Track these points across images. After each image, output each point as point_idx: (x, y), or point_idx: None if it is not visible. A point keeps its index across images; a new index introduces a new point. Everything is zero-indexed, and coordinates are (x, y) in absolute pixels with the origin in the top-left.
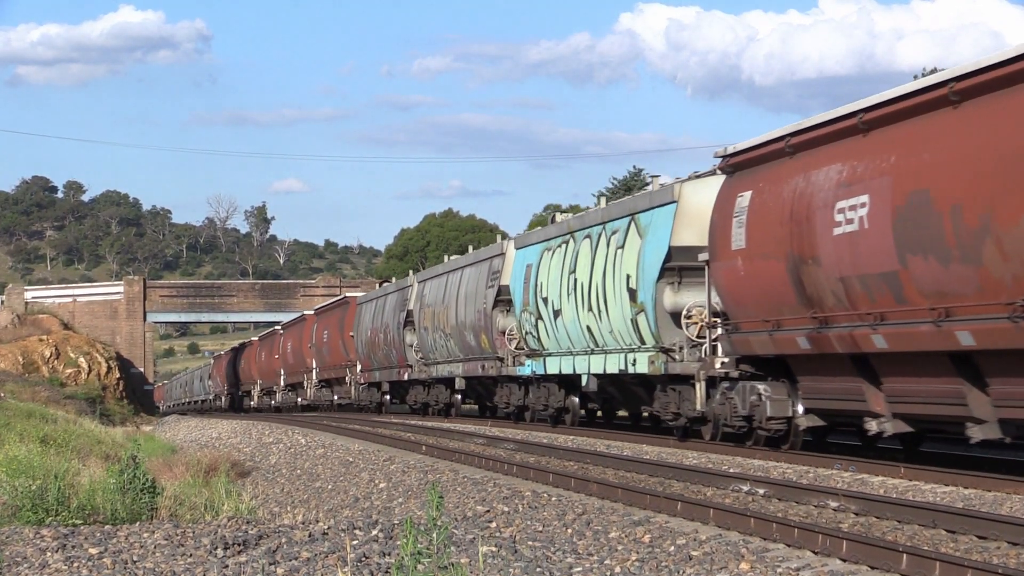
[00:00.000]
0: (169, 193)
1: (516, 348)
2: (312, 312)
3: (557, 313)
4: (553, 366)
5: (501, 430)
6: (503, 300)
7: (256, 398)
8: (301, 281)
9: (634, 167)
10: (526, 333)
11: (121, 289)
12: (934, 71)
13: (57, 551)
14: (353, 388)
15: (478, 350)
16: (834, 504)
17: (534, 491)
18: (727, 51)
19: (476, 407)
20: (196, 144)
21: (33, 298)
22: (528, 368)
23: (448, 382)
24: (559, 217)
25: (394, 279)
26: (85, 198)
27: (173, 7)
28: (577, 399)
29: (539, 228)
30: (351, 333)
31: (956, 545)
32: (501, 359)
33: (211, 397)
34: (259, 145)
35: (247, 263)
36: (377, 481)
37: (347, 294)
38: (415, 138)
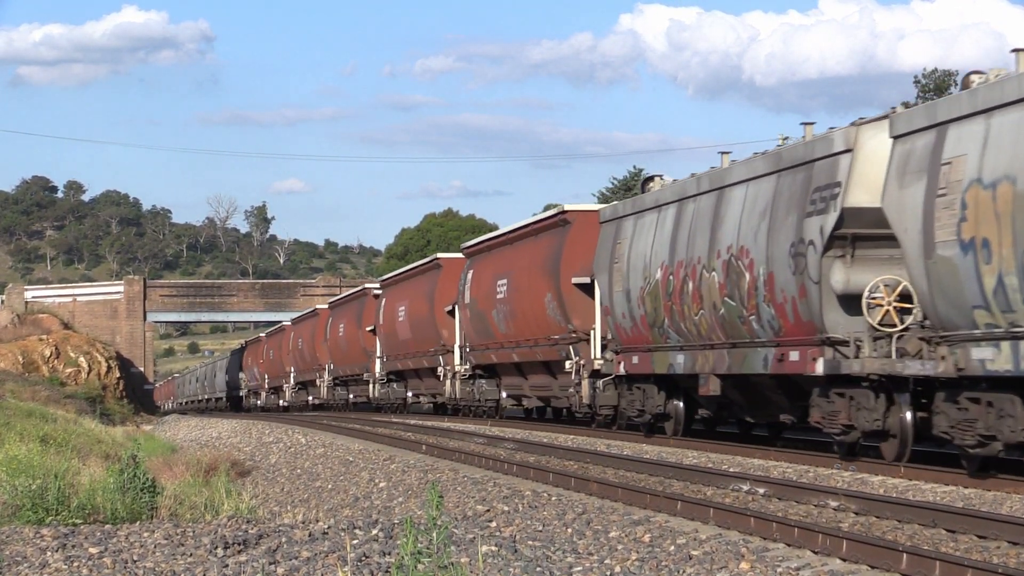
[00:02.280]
0: (169, 193)
1: None
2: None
3: None
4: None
5: (501, 430)
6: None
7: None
8: (301, 281)
9: (634, 167)
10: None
11: (121, 289)
12: (934, 71)
13: (57, 551)
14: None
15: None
16: (834, 504)
17: (534, 490)
18: (728, 51)
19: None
20: (197, 144)
21: (33, 298)
22: None
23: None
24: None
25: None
26: (85, 198)
27: (177, 7)
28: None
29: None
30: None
31: (956, 545)
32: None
33: (244, 392)
34: (260, 145)
35: (247, 263)
36: (377, 480)
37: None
38: (416, 138)
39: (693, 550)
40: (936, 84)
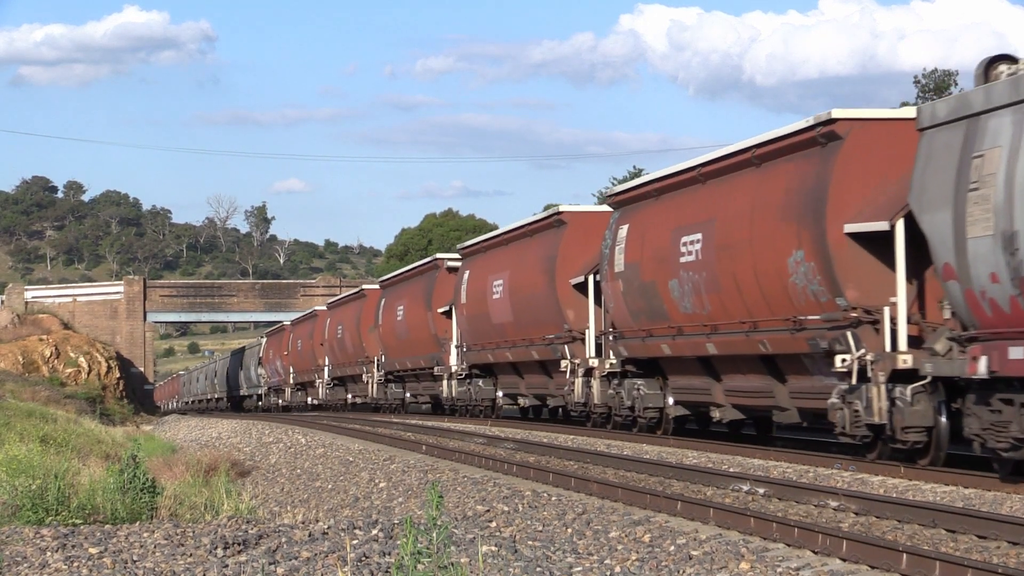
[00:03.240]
0: (169, 193)
1: None
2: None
3: None
4: None
5: (501, 430)
6: None
7: (288, 394)
8: (301, 281)
9: (634, 167)
10: None
11: (121, 289)
12: (934, 71)
13: (57, 551)
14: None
15: None
16: (834, 504)
17: (534, 491)
18: (729, 52)
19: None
20: (197, 144)
21: (33, 298)
22: None
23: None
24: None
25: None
26: (85, 198)
27: (178, 7)
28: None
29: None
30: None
31: (956, 545)
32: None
33: (262, 391)
34: (260, 145)
35: (247, 263)
36: (377, 481)
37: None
38: (417, 138)
39: (693, 550)
40: (936, 84)
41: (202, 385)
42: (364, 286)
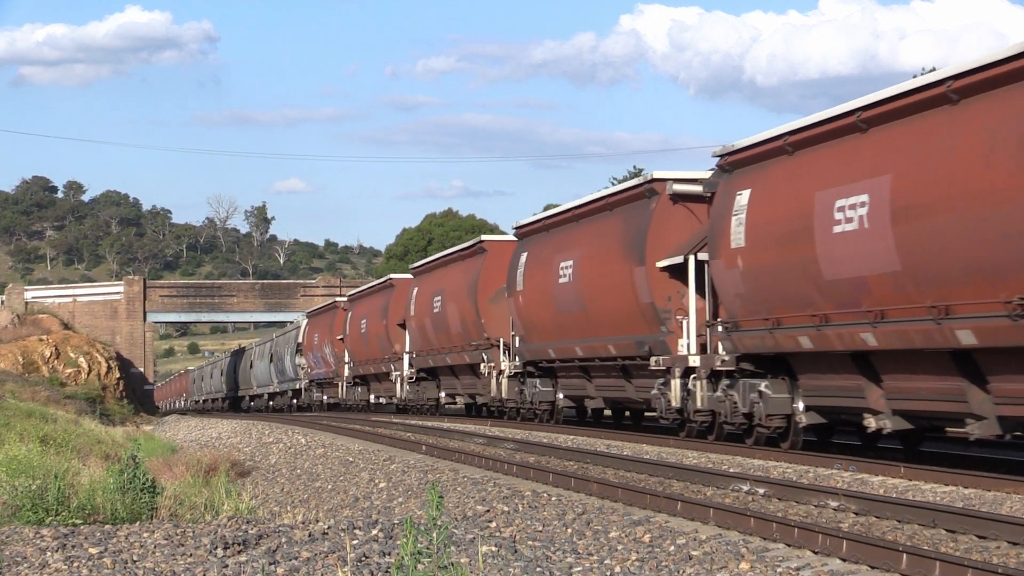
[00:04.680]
0: (169, 193)
1: None
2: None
3: None
4: None
5: (501, 430)
6: None
7: (342, 390)
8: (301, 281)
9: (634, 167)
10: None
11: (121, 289)
12: (933, 71)
13: (57, 551)
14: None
15: None
16: (834, 504)
17: (534, 491)
18: (730, 52)
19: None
20: (198, 144)
21: (33, 298)
22: None
23: None
24: None
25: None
26: (85, 198)
27: (180, 8)
28: None
29: None
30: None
31: (956, 545)
32: None
33: (301, 385)
34: (261, 145)
35: (247, 263)
36: (377, 481)
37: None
38: (417, 138)
39: (693, 550)
40: None
41: (216, 382)
42: (484, 238)
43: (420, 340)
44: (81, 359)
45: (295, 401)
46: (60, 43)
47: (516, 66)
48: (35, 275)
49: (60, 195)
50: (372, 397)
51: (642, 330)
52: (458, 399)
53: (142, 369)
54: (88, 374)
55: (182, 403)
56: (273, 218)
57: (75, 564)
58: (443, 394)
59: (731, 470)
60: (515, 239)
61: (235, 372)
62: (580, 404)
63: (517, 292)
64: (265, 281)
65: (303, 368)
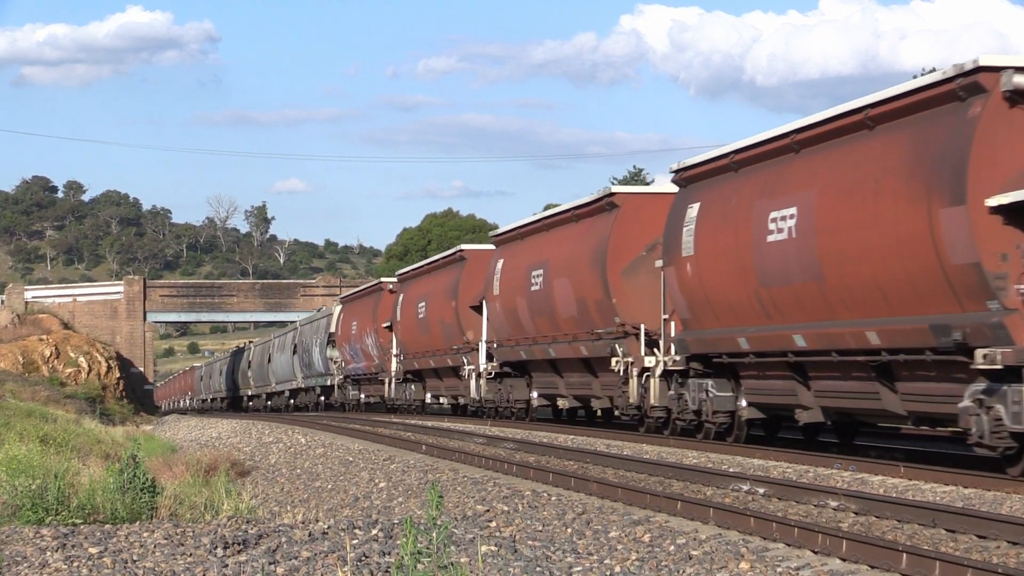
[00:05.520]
0: (170, 193)
1: None
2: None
3: None
4: None
5: (501, 430)
6: None
7: (390, 387)
8: (301, 281)
9: (634, 167)
10: None
11: (121, 289)
12: (933, 71)
13: (57, 550)
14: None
15: None
16: (834, 504)
17: (534, 490)
18: (730, 52)
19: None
20: (198, 144)
21: (33, 298)
22: None
23: None
24: None
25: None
26: (85, 198)
27: (182, 8)
28: None
29: None
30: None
31: (956, 545)
32: None
33: (334, 382)
34: (262, 145)
35: (247, 263)
36: (377, 480)
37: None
38: (418, 138)
39: (693, 550)
40: None
41: (226, 379)
42: (616, 188)
43: (508, 326)
44: (81, 359)
45: (323, 399)
46: (61, 43)
47: (516, 66)
48: (35, 275)
49: (60, 195)
50: (428, 396)
51: (947, 308)
52: (561, 402)
53: (142, 369)
54: (88, 374)
55: (187, 402)
56: (273, 218)
57: (75, 564)
58: (535, 394)
59: (731, 470)
60: (661, 192)
61: (248, 368)
62: (776, 418)
63: (683, 259)
64: (265, 281)
65: (336, 362)
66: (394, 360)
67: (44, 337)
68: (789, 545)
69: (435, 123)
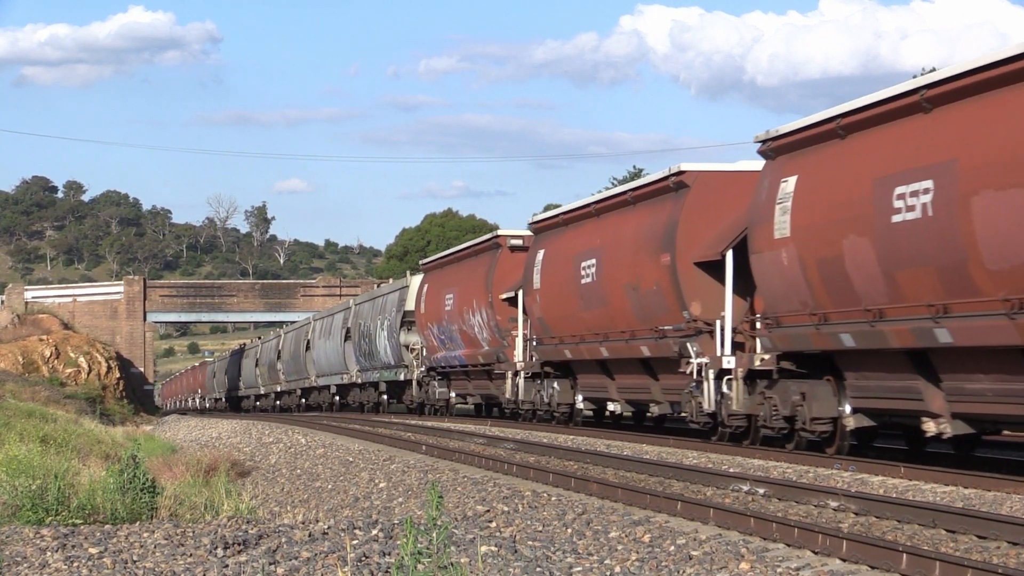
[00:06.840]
0: (170, 193)
1: None
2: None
3: None
4: None
5: (501, 430)
6: None
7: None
8: (301, 281)
9: (635, 167)
10: None
11: (121, 289)
12: (933, 71)
13: (57, 551)
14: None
15: None
16: (834, 504)
17: (534, 491)
18: (731, 52)
19: None
20: (199, 144)
21: (33, 298)
22: None
23: None
24: None
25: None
26: (85, 198)
27: (184, 8)
28: None
29: None
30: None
31: (956, 545)
32: None
33: (413, 375)
34: (262, 145)
35: (247, 263)
36: (377, 481)
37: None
38: (418, 139)
39: (693, 550)
40: None
41: (248, 375)
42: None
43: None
44: (81, 359)
45: (387, 399)
46: (62, 43)
47: (517, 66)
48: (35, 275)
49: (60, 195)
50: (579, 399)
51: None
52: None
53: (142, 369)
54: (88, 374)
55: (196, 401)
56: (273, 218)
57: (75, 564)
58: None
59: (731, 470)
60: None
61: (278, 360)
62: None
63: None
64: (265, 281)
65: (414, 350)
66: (517, 347)
67: (44, 337)
68: (789, 545)
69: (436, 123)
